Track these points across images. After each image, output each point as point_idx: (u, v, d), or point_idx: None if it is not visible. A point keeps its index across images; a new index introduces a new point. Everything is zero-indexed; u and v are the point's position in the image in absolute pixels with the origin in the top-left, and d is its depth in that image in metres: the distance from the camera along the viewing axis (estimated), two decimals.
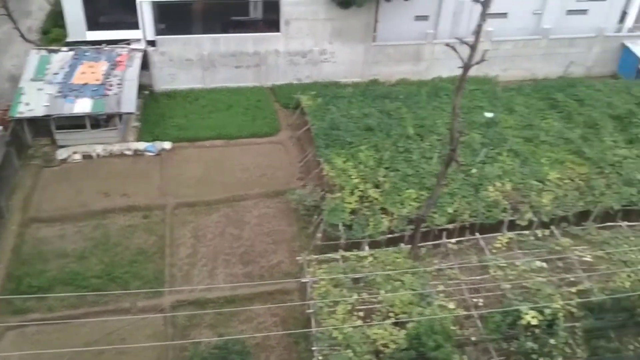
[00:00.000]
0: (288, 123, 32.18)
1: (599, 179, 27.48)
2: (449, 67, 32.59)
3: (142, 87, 31.84)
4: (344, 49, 34.18)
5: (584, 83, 34.14)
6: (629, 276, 23.44)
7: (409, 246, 24.36)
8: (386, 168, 27.25)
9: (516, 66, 36.12)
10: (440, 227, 25.40)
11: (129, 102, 29.08)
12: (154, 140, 30.15)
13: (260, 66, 33.96)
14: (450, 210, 25.74)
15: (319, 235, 25.22)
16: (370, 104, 31.47)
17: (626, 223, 26.23)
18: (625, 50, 36.43)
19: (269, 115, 32.60)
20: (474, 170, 27.39)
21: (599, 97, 32.42)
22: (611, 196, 26.86)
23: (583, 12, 36.03)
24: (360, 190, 25.90)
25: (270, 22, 33.11)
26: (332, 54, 34.31)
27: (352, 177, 26.45)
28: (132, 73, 30.23)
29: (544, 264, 23.85)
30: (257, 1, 32.50)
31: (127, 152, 29.56)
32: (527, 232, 25.54)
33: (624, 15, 36.67)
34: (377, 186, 26.33)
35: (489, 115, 30.86)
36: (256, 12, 33.11)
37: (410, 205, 25.59)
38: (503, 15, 34.94)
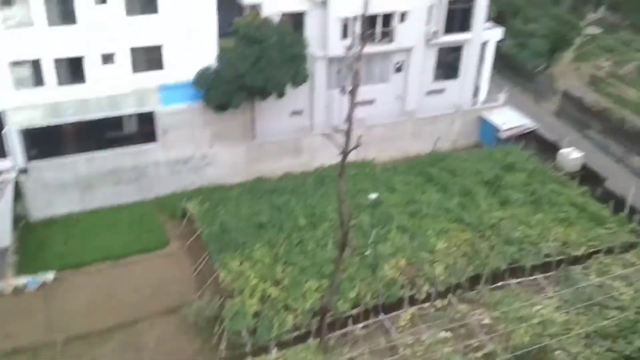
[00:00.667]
0: (177, 234, 31.47)
1: (482, 242, 29.13)
2: (330, 156, 33.60)
3: (16, 219, 30.12)
4: (226, 151, 34.61)
5: (452, 155, 36.78)
6: (526, 331, 24.58)
7: (318, 339, 24.11)
8: (284, 263, 27.26)
9: (390, 147, 38.21)
10: (345, 314, 25.48)
11: (3, 236, 27.28)
12: (34, 272, 28.23)
13: (141, 180, 33.41)
14: (352, 295, 26.00)
15: (222, 347, 24.29)
16: (259, 201, 31.78)
17: (514, 280, 27.77)
18: (483, 121, 39.86)
19: (156, 228, 31.79)
20: (368, 252, 28.07)
21: (468, 166, 34.95)
22: (496, 257, 28.45)
23: (440, 91, 39.30)
24: (260, 291, 25.58)
25: (147, 133, 32.92)
26: (214, 157, 34.59)
27: (250, 278, 26.14)
28: (4, 205, 28.54)
29: (448, 334, 24.49)
30: (131, 115, 32.36)
31: (6, 290, 27.40)
32: (426, 304, 26.26)
33: (476, 90, 40.41)
34: (276, 283, 26.17)
35: (373, 196, 32.13)
36: (131, 125, 32.83)
37: (312, 297, 25.56)
38: (371, 102, 37.29)
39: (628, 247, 29.94)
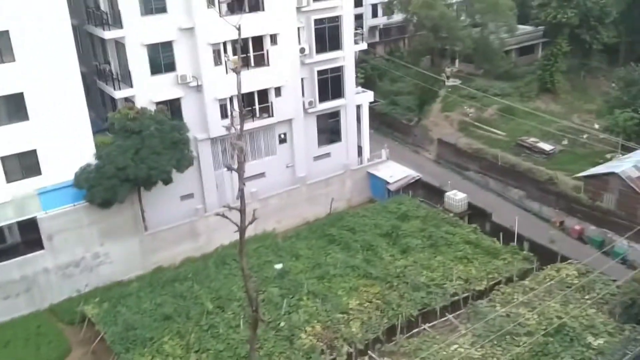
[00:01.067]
0: (78, 340, 29.34)
1: (391, 293, 29.58)
2: (228, 234, 33.16)
3: None
4: (118, 246, 33.15)
5: (349, 213, 37.65)
6: None
7: None
8: (196, 352, 26.11)
9: (288, 215, 38.43)
10: None
11: None
12: None
13: (32, 290, 31.15)
14: None
15: None
16: (161, 292, 30.53)
17: (427, 325, 28.23)
18: (372, 177, 41.36)
19: (55, 338, 29.46)
20: (282, 324, 27.54)
21: (366, 221, 35.85)
22: (407, 305, 28.89)
23: (327, 155, 40.53)
24: None
25: (32, 241, 30.98)
26: (107, 255, 32.98)
27: None
28: None
29: None
30: (11, 225, 30.41)
31: None
32: None
33: (360, 149, 42.07)
34: None
35: (278, 266, 31.89)
36: (13, 235, 30.85)
37: None
38: (262, 175, 37.65)
39: (524, 274, 31.56)
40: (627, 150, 41.38)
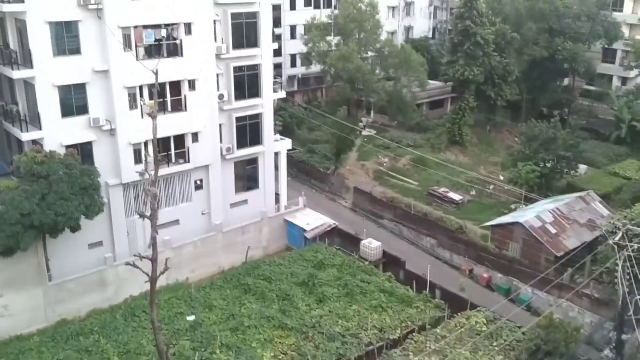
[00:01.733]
0: None
1: (307, 344, 29.30)
2: (139, 284, 31.85)
3: None
4: (19, 297, 31.01)
5: (266, 262, 37.29)
6: None
7: None
8: None
9: (203, 264, 37.52)
10: None
11: None
12: None
13: None
14: None
15: None
16: (65, 347, 28.79)
17: None
18: (289, 224, 41.33)
19: None
20: None
21: (282, 270, 35.63)
22: (322, 356, 28.67)
23: (244, 202, 40.20)
24: None
25: None
26: (6, 307, 30.73)
27: None
28: None
29: None
30: None
31: None
32: None
33: (277, 196, 42.08)
34: None
35: (190, 318, 30.92)
36: None
37: None
38: (176, 222, 36.72)
39: (436, 322, 32.24)
40: (529, 201, 43.86)
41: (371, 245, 38.18)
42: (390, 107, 60.34)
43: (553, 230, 38.34)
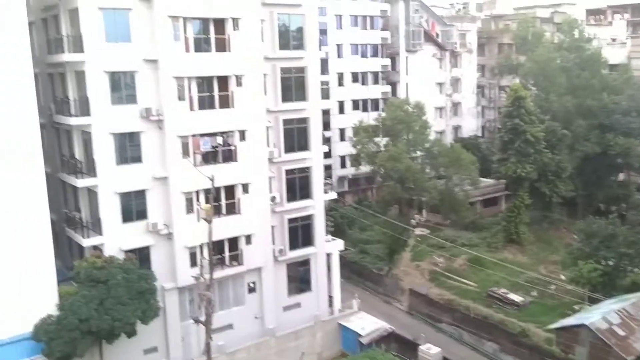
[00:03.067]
0: None
1: None
2: None
3: None
4: None
5: None
6: None
7: None
8: None
9: None
10: None
11: None
12: None
13: None
14: None
15: None
16: None
17: None
18: (344, 328, 40.18)
19: None
20: None
21: None
22: None
23: (297, 305, 39.56)
24: None
25: None
26: None
27: None
28: None
29: None
30: None
31: None
32: None
33: (331, 299, 41.29)
34: None
35: None
36: None
37: None
38: (229, 326, 36.27)
39: None
40: (593, 301, 41.59)
41: (430, 351, 36.53)
42: (443, 205, 59.80)
43: (621, 333, 35.93)
